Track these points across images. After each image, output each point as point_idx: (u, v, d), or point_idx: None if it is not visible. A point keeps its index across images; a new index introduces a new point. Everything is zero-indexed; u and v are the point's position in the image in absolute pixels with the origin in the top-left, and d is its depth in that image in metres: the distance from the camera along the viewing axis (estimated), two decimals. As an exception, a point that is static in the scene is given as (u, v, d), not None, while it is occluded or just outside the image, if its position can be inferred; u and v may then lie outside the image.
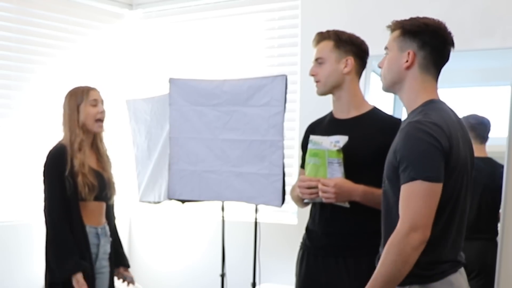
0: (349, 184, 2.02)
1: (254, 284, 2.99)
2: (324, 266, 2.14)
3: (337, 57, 2.14)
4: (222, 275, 3.10)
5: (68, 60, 3.73)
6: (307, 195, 2.08)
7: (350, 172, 2.04)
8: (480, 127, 2.80)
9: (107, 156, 2.73)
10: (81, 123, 2.56)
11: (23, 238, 3.47)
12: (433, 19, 1.74)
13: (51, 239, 2.52)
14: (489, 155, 2.82)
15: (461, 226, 1.72)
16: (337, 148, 2.01)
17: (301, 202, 2.21)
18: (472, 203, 1.76)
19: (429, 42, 1.70)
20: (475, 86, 2.96)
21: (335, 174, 2.02)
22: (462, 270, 1.74)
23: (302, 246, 2.28)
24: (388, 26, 1.80)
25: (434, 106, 1.70)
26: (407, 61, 1.71)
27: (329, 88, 2.17)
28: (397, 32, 1.75)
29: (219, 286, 3.11)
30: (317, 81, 2.19)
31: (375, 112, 2.19)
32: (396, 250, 1.60)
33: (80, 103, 2.56)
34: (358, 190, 2.02)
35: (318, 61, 2.17)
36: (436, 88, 1.75)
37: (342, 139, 2.02)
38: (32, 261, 3.45)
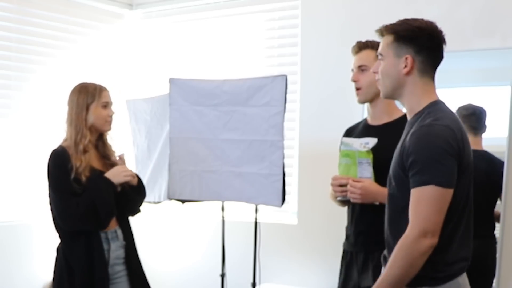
0: (374, 187, 2.16)
1: (254, 284, 2.99)
2: (357, 262, 2.27)
3: None
4: (222, 275, 3.11)
5: (68, 60, 3.72)
6: (338, 193, 2.26)
7: (380, 176, 2.12)
8: (472, 118, 2.70)
9: (114, 155, 2.56)
10: (89, 124, 2.42)
11: (22, 238, 3.46)
12: (425, 21, 1.72)
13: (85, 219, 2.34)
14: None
15: (470, 226, 1.72)
16: (366, 149, 2.18)
17: (337, 200, 2.36)
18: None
19: (425, 46, 1.69)
20: (475, 86, 2.95)
21: (365, 173, 2.20)
22: None
23: (343, 246, 2.43)
24: (378, 30, 1.78)
25: (439, 107, 1.69)
26: (405, 66, 1.70)
27: (371, 96, 2.27)
28: (390, 38, 1.73)
29: (219, 286, 3.11)
30: (357, 88, 2.28)
31: (405, 118, 2.24)
32: (404, 254, 1.61)
33: (91, 103, 2.42)
34: (383, 193, 2.07)
35: (361, 68, 2.27)
36: (435, 89, 1.75)
37: (371, 141, 2.19)
38: (31, 262, 3.45)
